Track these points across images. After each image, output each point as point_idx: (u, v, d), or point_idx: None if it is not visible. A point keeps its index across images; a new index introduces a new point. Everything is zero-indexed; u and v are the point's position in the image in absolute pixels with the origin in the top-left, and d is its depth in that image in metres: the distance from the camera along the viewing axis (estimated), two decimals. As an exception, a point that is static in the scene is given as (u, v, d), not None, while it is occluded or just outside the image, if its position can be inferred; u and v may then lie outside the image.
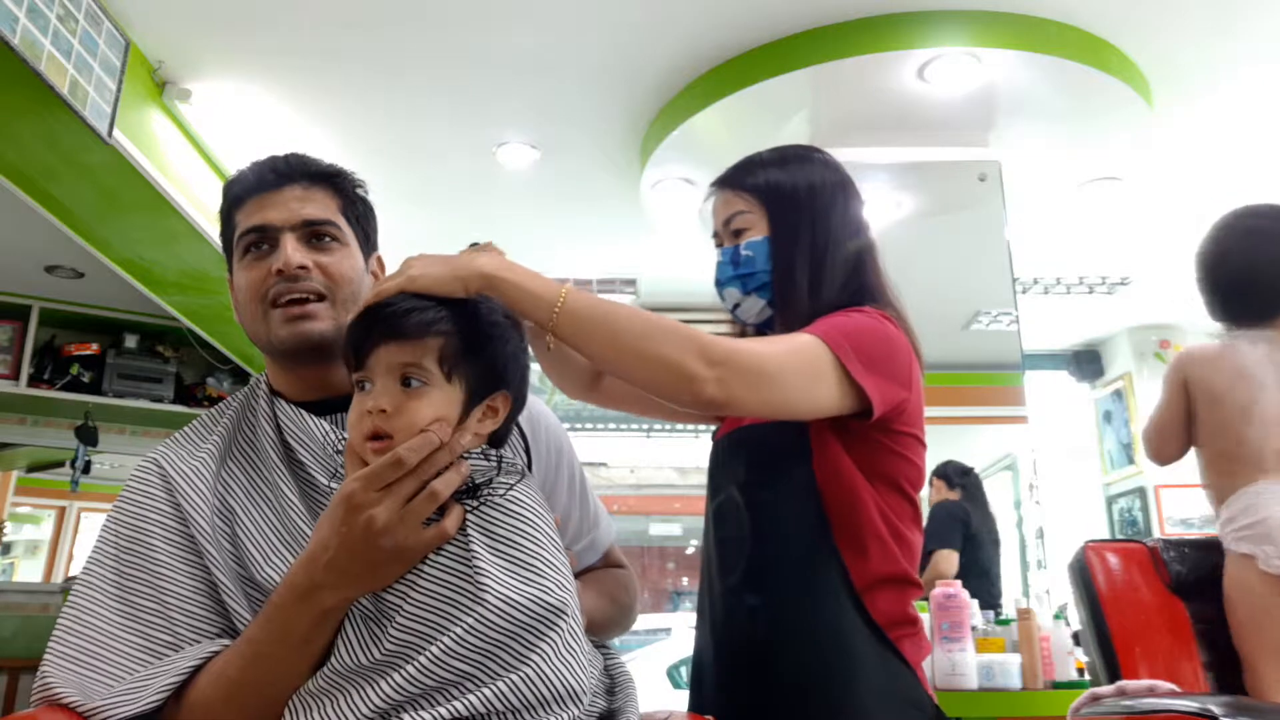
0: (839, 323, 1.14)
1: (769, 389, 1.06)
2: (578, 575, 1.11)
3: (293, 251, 1.02)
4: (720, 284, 1.31)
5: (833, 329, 1.12)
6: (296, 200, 1.05)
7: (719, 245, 1.32)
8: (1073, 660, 2.25)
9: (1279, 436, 1.49)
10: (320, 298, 1.04)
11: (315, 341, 1.03)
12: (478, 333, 0.92)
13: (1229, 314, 1.58)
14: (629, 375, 1.03)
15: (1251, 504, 1.46)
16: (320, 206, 1.07)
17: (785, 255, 1.24)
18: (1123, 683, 1.30)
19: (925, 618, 1.69)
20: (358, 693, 0.81)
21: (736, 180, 1.30)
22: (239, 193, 1.08)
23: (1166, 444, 1.61)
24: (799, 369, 1.08)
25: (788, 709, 1.14)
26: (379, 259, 1.16)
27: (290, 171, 1.07)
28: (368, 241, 1.13)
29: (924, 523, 1.24)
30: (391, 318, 0.89)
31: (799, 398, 1.09)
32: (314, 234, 1.06)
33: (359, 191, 1.12)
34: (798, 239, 1.24)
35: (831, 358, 1.09)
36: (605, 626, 1.15)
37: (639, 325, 1.01)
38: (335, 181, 1.10)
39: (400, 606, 0.83)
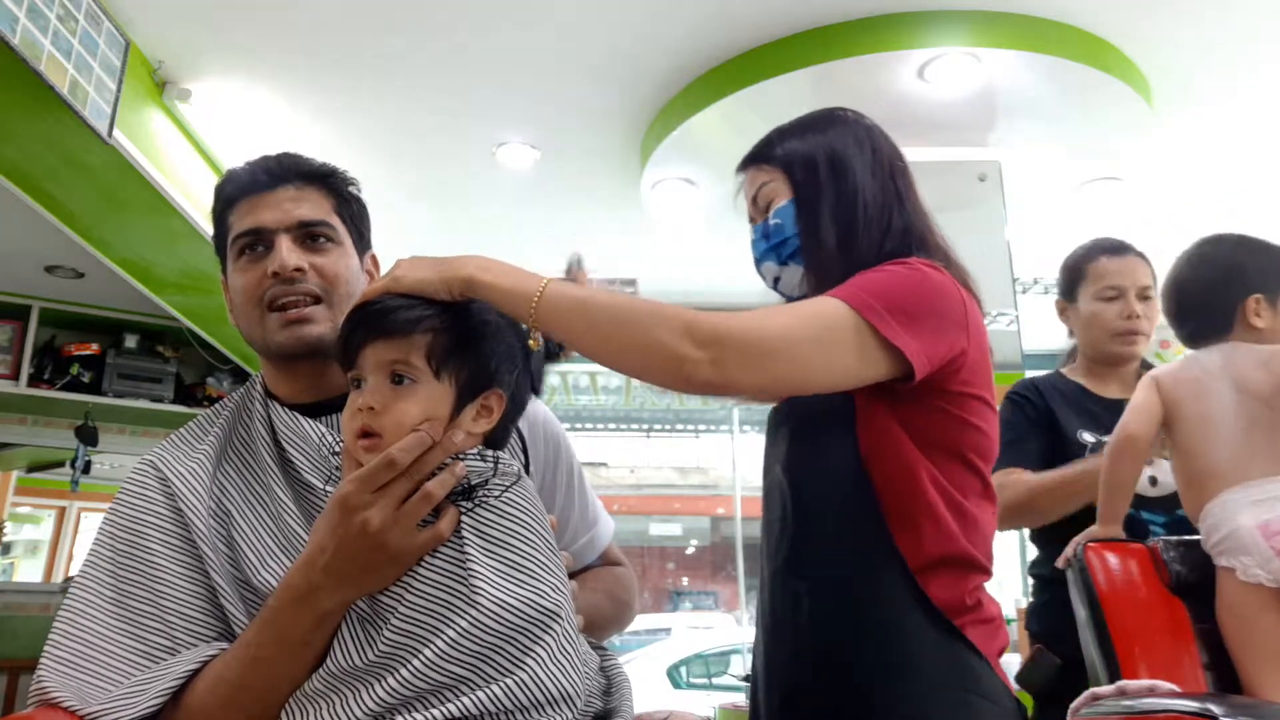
0: (866, 281, 1.05)
1: (774, 364, 0.97)
2: (576, 574, 1.11)
3: (288, 254, 1.02)
4: (758, 262, 1.25)
5: (858, 288, 1.03)
6: (290, 201, 1.05)
7: (753, 225, 1.26)
8: (1073, 660, 2.25)
9: (1230, 446, 1.50)
10: (316, 300, 1.04)
11: (313, 344, 1.03)
12: (467, 331, 0.91)
13: (1191, 336, 1.64)
14: (616, 365, 0.98)
15: (1221, 517, 1.46)
16: (314, 207, 1.06)
17: (810, 211, 1.17)
18: (1123, 683, 1.30)
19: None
20: (354, 695, 0.81)
21: (759, 156, 1.26)
22: (231, 193, 1.07)
23: (1136, 462, 1.58)
24: (811, 337, 0.99)
25: (837, 704, 1.05)
26: (373, 258, 1.16)
27: (283, 172, 1.07)
28: (361, 240, 1.13)
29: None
30: (379, 315, 0.89)
31: (814, 370, 0.99)
32: (308, 235, 1.05)
33: (352, 190, 1.12)
34: (821, 193, 1.17)
35: (856, 320, 1.00)
36: (604, 625, 1.14)
37: (620, 311, 0.96)
38: (328, 181, 1.09)
39: (395, 609, 0.83)
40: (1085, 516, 1.58)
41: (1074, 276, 1.91)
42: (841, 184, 1.17)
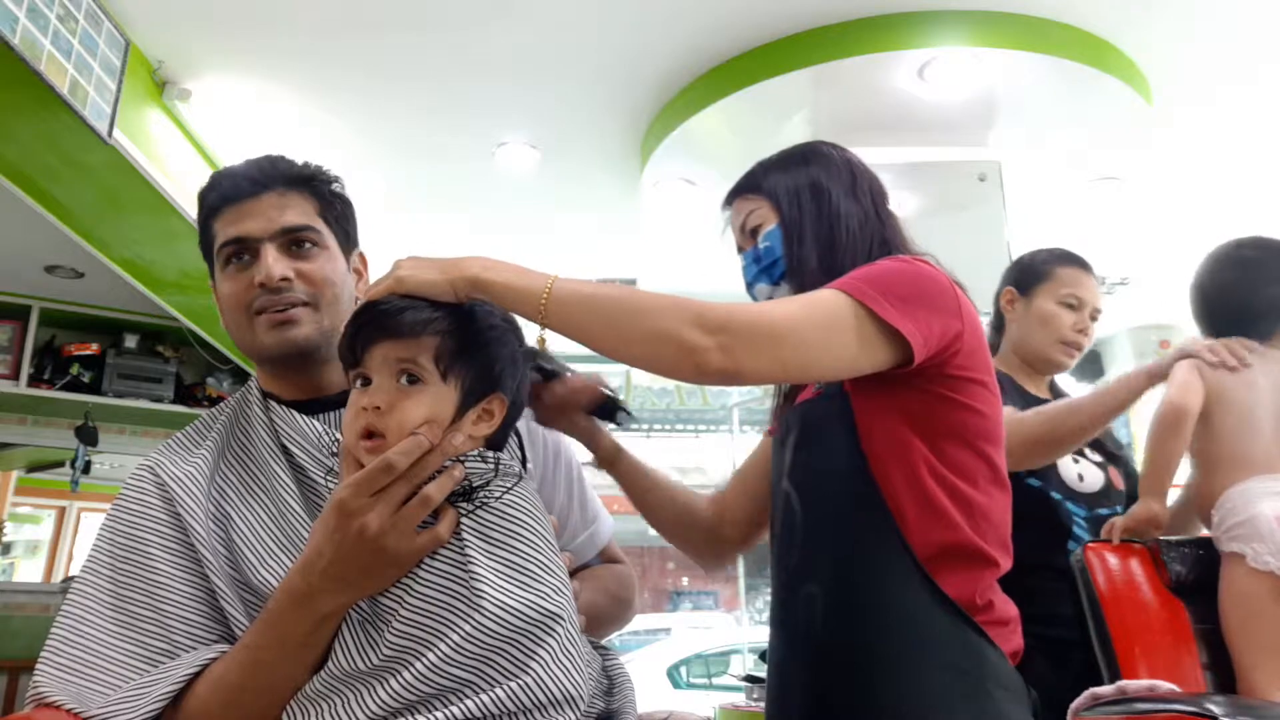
0: (861, 272, 1.07)
1: (781, 350, 0.98)
2: (576, 571, 1.11)
3: (273, 263, 1.02)
4: (750, 286, 1.30)
5: (854, 279, 1.05)
6: (274, 208, 1.04)
7: (742, 253, 1.31)
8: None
9: (1266, 438, 1.51)
10: (305, 304, 1.03)
11: (301, 346, 1.02)
12: (474, 334, 0.91)
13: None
14: (627, 357, 0.98)
15: (1239, 503, 1.47)
16: (298, 212, 1.05)
17: (795, 230, 1.23)
18: (1123, 683, 1.29)
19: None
20: (355, 697, 0.81)
21: (744, 187, 1.32)
22: (215, 201, 1.06)
23: (1184, 436, 1.58)
24: (816, 323, 1.00)
25: (860, 699, 1.04)
26: (361, 256, 1.16)
27: (265, 178, 1.05)
28: (348, 240, 1.12)
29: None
30: (387, 315, 0.89)
31: (819, 355, 1.01)
32: (293, 241, 1.05)
33: (335, 189, 1.11)
34: (804, 216, 1.23)
35: (855, 307, 1.01)
36: (604, 622, 1.15)
37: (630, 303, 0.97)
38: (312, 184, 1.08)
39: (396, 611, 0.83)
40: None
41: (1036, 273, 1.91)
42: (823, 207, 1.24)
